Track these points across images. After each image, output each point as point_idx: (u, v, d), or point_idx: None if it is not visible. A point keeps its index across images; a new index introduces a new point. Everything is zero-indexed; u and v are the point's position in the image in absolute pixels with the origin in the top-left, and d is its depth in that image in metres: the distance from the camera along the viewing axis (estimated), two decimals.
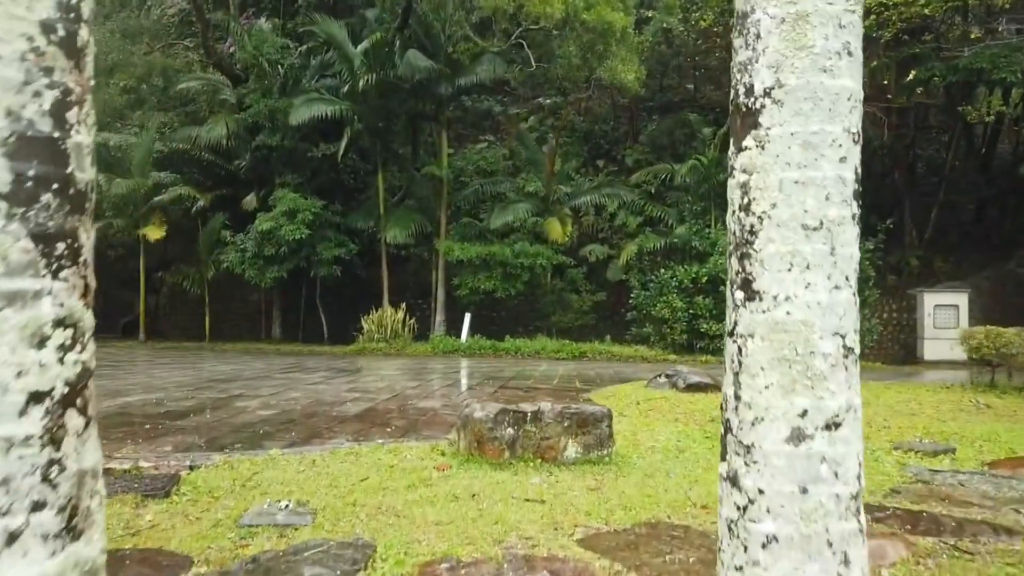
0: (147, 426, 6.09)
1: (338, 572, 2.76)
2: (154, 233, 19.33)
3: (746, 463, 1.71)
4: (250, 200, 19.94)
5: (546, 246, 19.02)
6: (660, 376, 9.89)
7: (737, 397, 1.75)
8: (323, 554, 2.95)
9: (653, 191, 20.40)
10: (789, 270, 1.67)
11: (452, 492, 4.14)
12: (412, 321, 18.99)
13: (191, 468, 4.75)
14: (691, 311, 17.18)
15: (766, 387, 1.68)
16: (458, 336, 18.53)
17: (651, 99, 24.60)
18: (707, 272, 17.14)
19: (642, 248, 18.69)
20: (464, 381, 10.95)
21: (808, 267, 1.66)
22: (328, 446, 5.40)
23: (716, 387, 9.29)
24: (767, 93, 1.71)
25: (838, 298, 1.67)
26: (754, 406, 1.69)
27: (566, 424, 4.90)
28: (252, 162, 20.60)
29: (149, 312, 22.75)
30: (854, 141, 1.71)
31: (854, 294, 1.72)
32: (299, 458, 4.94)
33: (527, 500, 4.01)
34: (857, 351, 1.73)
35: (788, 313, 1.67)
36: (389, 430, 6.15)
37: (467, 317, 18.69)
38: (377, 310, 19.11)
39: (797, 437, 1.64)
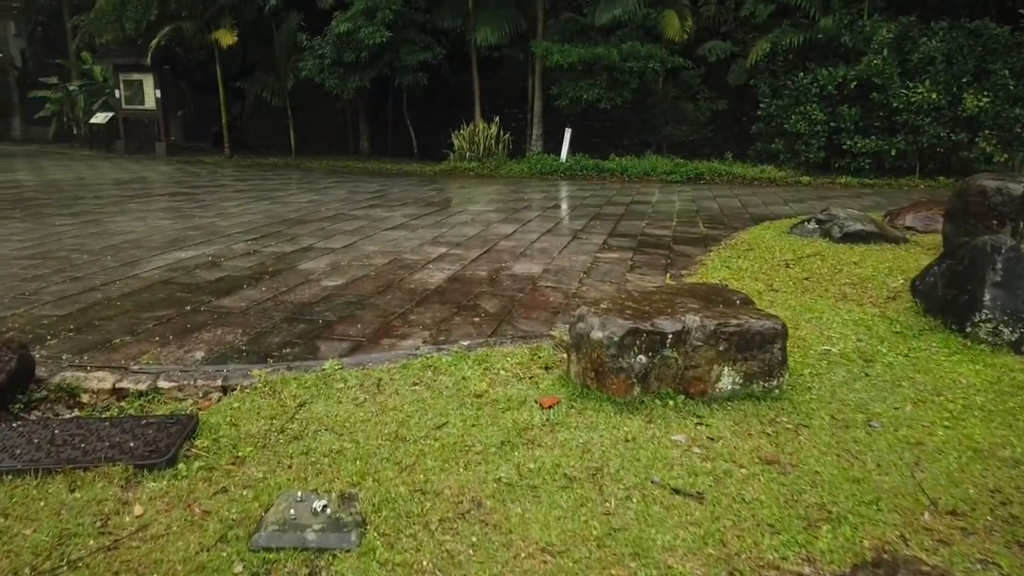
0: (187, 308, 5.04)
1: None
2: (226, 38, 17.74)
3: None
4: None
5: (659, 45, 16.25)
6: (808, 221, 8.07)
7: None
8: None
9: None
10: None
11: (563, 465, 2.86)
12: (507, 136, 17.20)
13: (223, 391, 3.67)
14: (832, 123, 14.52)
15: None
16: (557, 154, 16.69)
17: None
18: (856, 76, 14.15)
19: (776, 45, 15.55)
20: (566, 222, 9.45)
21: None
22: (399, 351, 4.19)
23: (882, 237, 7.43)
24: None
25: None
26: None
27: (721, 348, 3.43)
28: None
29: (235, 123, 21.85)
30: None
31: None
32: (359, 376, 3.76)
33: (675, 492, 2.69)
34: None
35: None
36: (476, 319, 4.87)
37: (567, 133, 16.67)
38: (468, 123, 17.36)
39: None
